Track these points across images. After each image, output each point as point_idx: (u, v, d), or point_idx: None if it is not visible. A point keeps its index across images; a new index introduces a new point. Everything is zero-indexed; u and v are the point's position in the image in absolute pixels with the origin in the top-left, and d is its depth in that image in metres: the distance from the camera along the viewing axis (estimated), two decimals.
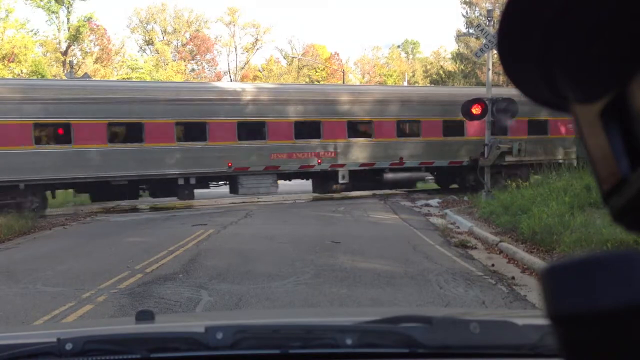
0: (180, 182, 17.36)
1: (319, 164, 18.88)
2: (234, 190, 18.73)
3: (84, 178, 16.19)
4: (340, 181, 19.37)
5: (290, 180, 20.32)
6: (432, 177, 22.44)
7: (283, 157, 18.32)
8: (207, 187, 18.82)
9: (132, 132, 16.71)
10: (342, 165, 19.19)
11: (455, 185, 21.13)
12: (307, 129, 18.66)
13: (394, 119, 19.68)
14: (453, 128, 20.10)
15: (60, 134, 15.92)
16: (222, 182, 19.30)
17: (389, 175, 19.79)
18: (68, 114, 15.76)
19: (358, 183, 19.85)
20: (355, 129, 19.51)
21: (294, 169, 18.83)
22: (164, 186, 17.45)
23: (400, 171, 19.85)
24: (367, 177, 19.78)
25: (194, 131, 17.41)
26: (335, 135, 18.97)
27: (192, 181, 17.59)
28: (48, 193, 16.82)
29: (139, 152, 16.62)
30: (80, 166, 15.95)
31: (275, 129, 18.22)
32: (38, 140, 15.72)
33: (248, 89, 19.49)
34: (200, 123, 17.31)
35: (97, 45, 47.87)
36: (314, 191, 20.81)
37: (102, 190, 16.90)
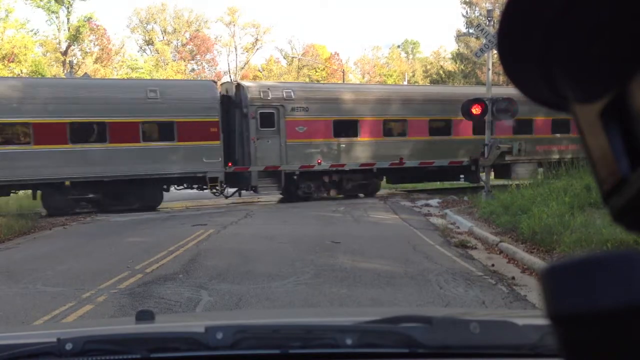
0: (472, 168, 20.44)
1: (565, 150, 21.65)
2: (505, 175, 21.59)
3: (408, 166, 20.25)
4: None
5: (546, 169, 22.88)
6: None
7: (545, 148, 21.72)
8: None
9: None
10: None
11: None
12: (558, 125, 21.50)
13: None
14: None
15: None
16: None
17: None
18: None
19: None
20: None
21: (555, 159, 20.98)
22: (456, 171, 21.37)
23: None
24: None
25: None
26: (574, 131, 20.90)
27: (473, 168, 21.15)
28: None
29: (448, 143, 20.73)
30: (411, 155, 20.19)
31: (540, 125, 21.61)
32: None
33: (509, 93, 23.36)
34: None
35: (97, 45, 47.93)
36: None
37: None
